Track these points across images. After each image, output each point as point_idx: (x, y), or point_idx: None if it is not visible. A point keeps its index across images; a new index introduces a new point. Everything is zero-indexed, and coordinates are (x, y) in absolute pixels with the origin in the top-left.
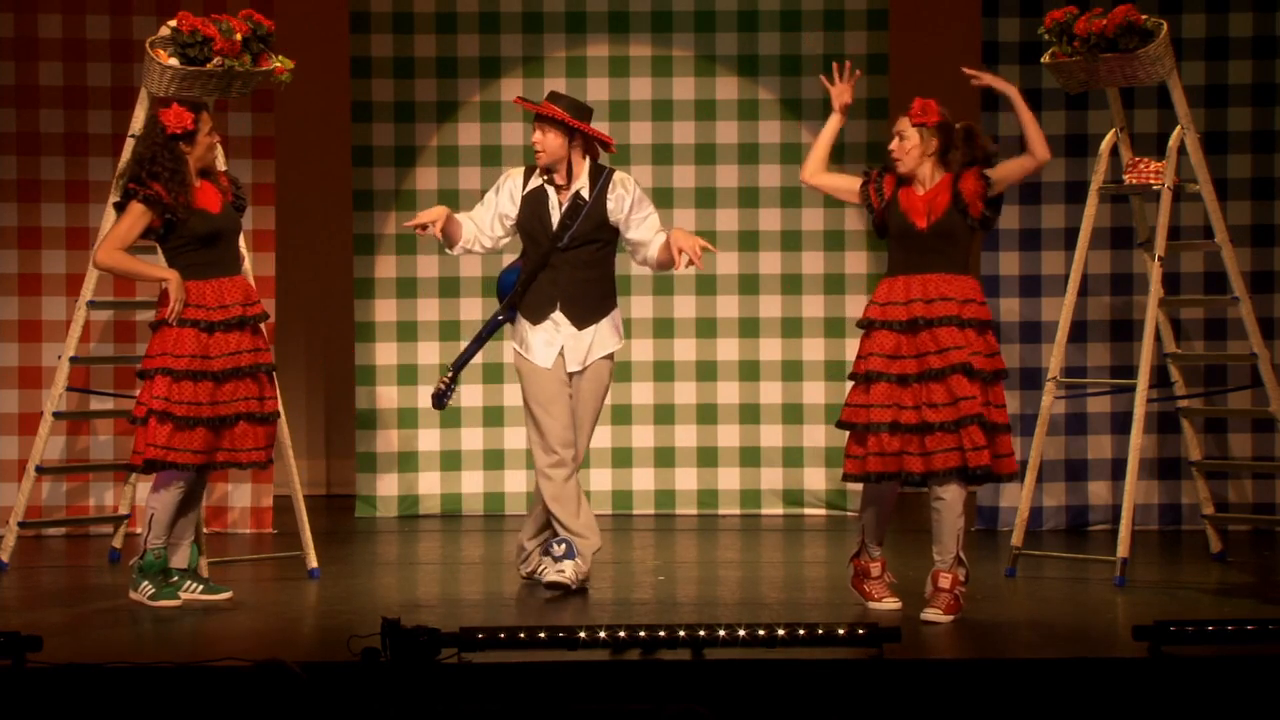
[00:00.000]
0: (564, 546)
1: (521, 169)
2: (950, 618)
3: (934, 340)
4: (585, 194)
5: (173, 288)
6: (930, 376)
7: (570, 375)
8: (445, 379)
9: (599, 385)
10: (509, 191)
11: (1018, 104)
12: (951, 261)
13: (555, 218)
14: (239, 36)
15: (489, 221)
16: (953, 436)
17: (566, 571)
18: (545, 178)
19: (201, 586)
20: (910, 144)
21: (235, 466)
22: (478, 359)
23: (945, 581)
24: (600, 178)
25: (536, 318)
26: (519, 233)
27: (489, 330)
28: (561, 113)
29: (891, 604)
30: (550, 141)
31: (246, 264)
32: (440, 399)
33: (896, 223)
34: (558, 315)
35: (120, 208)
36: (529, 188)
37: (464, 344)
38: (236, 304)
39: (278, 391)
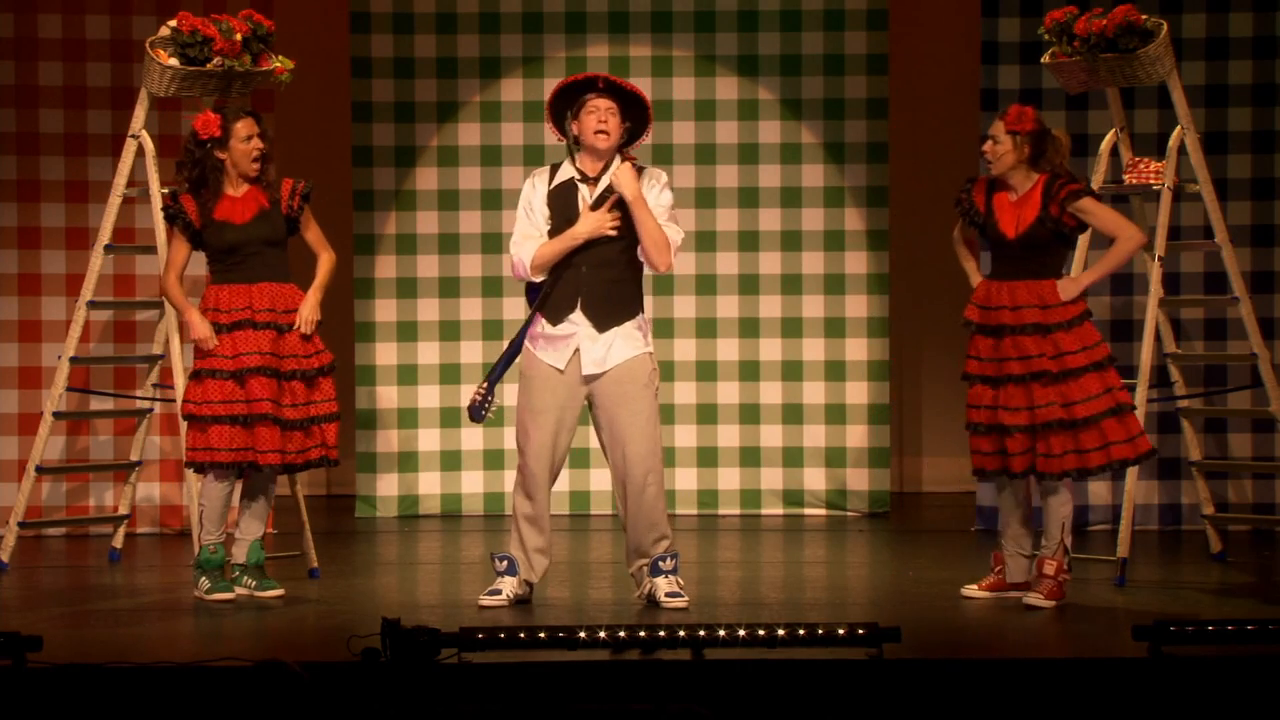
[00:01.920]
0: (505, 562)
1: (541, 171)
2: (1052, 603)
3: (1015, 347)
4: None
5: (191, 328)
6: (1012, 381)
7: (589, 379)
8: (480, 389)
9: (634, 384)
10: (538, 197)
11: (1101, 273)
12: (1042, 267)
13: (582, 211)
14: (239, 36)
15: (545, 236)
16: (1029, 439)
17: (502, 592)
18: (577, 170)
19: (255, 583)
20: (1003, 149)
21: (255, 468)
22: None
23: (1050, 568)
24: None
25: (556, 318)
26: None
27: (520, 338)
28: (639, 90)
29: (970, 589)
30: (616, 126)
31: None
32: (476, 411)
33: (991, 230)
34: (577, 316)
35: (169, 225)
36: (555, 183)
37: (462, 345)
38: (247, 308)
39: (315, 397)
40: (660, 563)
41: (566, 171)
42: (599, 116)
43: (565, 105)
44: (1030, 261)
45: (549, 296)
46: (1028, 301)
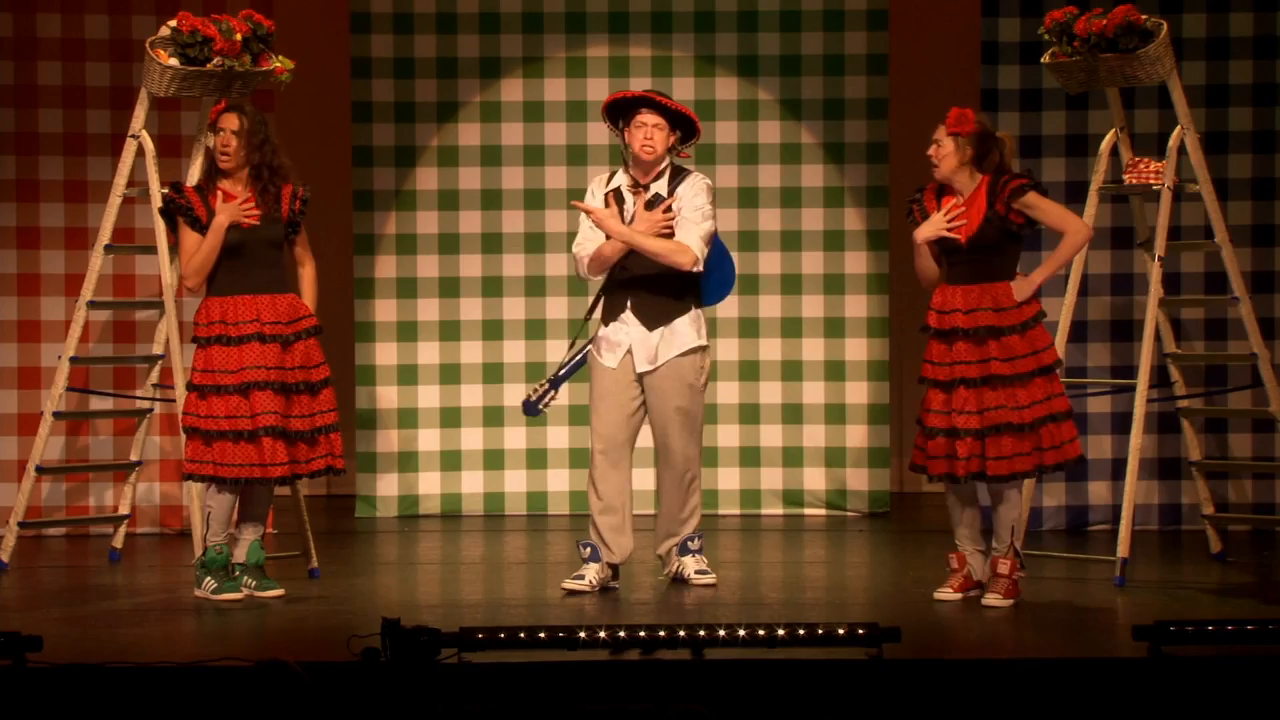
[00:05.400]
0: (588, 549)
1: (602, 175)
2: (1009, 602)
3: (969, 351)
4: (663, 192)
5: (228, 215)
6: (964, 384)
7: (642, 376)
8: (540, 385)
9: (679, 382)
10: (596, 201)
11: (1051, 269)
12: (994, 269)
13: (637, 214)
14: (239, 36)
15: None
16: (978, 443)
17: (585, 578)
18: (630, 178)
19: (256, 583)
20: (945, 151)
21: (261, 483)
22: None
23: (1004, 568)
24: (678, 177)
25: (609, 317)
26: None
27: (588, 343)
28: (689, 110)
29: (944, 593)
30: (662, 141)
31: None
32: (531, 406)
33: (942, 236)
34: (628, 315)
35: (167, 218)
36: (610, 188)
37: (462, 345)
38: (255, 320)
39: (319, 407)
40: (689, 543)
41: (620, 178)
42: (645, 133)
43: (618, 112)
44: (982, 264)
45: (601, 299)
46: (981, 304)
